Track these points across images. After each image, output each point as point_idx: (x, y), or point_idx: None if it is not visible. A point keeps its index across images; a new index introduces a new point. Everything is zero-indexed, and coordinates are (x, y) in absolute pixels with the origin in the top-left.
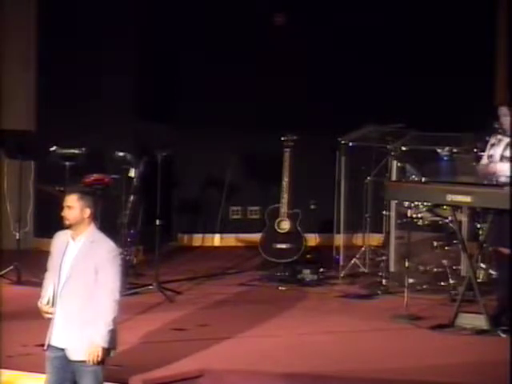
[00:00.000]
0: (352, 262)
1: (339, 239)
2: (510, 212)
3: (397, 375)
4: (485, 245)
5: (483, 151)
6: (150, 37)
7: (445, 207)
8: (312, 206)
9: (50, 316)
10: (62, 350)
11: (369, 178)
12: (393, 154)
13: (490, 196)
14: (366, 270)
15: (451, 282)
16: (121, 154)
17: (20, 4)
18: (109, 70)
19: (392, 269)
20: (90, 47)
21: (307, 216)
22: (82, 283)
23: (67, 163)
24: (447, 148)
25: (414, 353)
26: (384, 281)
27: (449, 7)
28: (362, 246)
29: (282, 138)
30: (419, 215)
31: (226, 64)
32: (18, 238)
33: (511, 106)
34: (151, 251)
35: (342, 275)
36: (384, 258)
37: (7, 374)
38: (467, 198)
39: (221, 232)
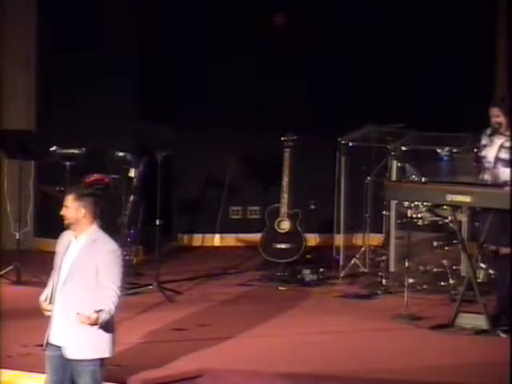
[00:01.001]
0: (352, 261)
1: (339, 239)
2: (511, 212)
3: (397, 375)
4: (485, 245)
5: None
6: (150, 37)
7: (445, 207)
8: (312, 206)
9: (47, 313)
10: (60, 348)
11: (369, 177)
12: (393, 153)
13: (490, 196)
14: (366, 270)
15: (451, 282)
16: (121, 153)
17: (20, 4)
18: (109, 70)
19: (392, 269)
20: (90, 47)
21: (307, 216)
22: (82, 282)
23: (67, 163)
24: (447, 148)
25: (413, 353)
26: (384, 281)
27: (449, 7)
28: (361, 246)
29: (282, 138)
30: (419, 215)
31: (226, 64)
32: (18, 237)
33: (502, 107)
34: (151, 251)
35: (341, 275)
36: (384, 257)
37: (7, 374)
38: (467, 198)
39: (221, 232)
